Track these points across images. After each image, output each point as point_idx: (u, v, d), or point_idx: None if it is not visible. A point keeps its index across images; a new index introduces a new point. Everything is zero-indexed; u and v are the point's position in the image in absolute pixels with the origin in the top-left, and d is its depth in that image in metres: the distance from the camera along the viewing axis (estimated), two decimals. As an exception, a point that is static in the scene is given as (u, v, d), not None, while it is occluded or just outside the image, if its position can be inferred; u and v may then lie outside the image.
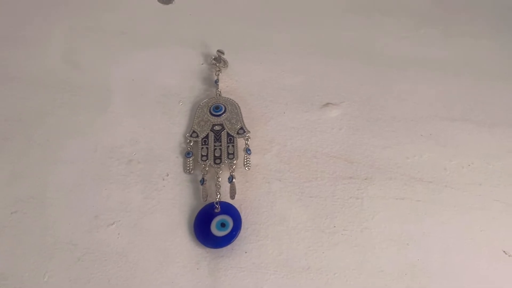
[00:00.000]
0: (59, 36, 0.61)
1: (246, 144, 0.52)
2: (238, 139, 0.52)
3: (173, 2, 0.67)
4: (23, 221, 0.46)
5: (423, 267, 0.46)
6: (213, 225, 0.46)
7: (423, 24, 0.67)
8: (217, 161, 0.50)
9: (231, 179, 0.49)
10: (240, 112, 0.54)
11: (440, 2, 0.71)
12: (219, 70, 0.59)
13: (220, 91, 0.57)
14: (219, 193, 0.48)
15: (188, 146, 0.52)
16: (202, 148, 0.51)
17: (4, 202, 0.47)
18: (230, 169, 0.50)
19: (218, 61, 0.59)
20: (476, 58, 0.64)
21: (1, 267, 0.44)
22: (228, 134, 0.52)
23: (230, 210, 0.47)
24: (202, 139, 0.52)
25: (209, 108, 0.54)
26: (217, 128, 0.53)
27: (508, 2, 0.71)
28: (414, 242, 0.47)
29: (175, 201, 0.48)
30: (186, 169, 0.50)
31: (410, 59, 0.63)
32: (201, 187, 0.49)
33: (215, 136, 0.52)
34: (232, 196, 0.48)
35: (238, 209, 0.48)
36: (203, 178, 0.49)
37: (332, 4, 0.69)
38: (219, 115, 0.54)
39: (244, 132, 0.52)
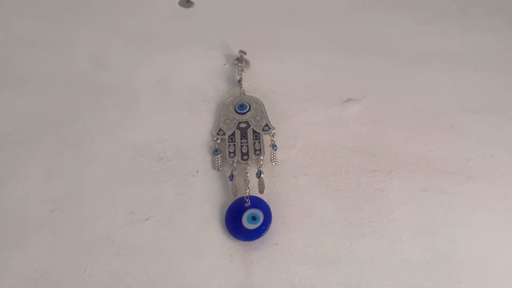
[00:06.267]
0: (86, 39, 0.63)
1: (272, 140, 0.53)
2: (264, 136, 0.53)
3: (193, 5, 0.68)
4: (62, 218, 0.48)
5: (450, 256, 0.47)
6: (244, 219, 0.47)
7: (440, 18, 0.68)
8: (245, 157, 0.52)
9: (259, 174, 0.50)
10: (265, 110, 0.56)
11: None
12: (241, 70, 0.60)
13: (243, 90, 0.58)
14: (248, 188, 0.49)
15: (215, 143, 0.53)
16: (229, 145, 0.53)
17: (43, 200, 0.49)
18: (257, 165, 0.51)
19: (240, 61, 0.61)
20: (493, 51, 0.64)
21: (43, 262, 0.46)
22: (254, 131, 0.54)
23: (259, 204, 0.48)
24: (229, 136, 0.54)
25: (234, 106, 0.56)
26: (242, 125, 0.54)
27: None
28: (440, 232, 0.48)
29: (206, 197, 0.50)
30: (215, 166, 0.52)
31: (429, 53, 0.63)
32: (230, 182, 0.50)
33: (241, 133, 0.54)
34: (261, 191, 0.49)
35: (267, 203, 0.49)
36: (232, 174, 0.51)
37: (351, 1, 0.70)
38: (244, 113, 0.55)
39: (270, 128, 0.54)
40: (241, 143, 0.53)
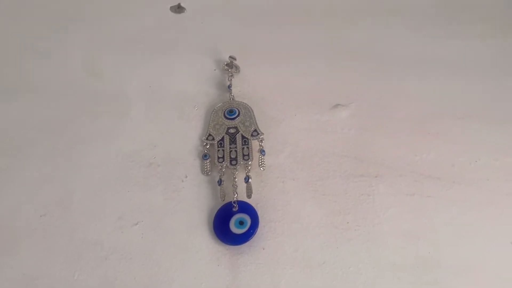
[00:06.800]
0: (78, 47, 0.64)
1: (260, 145, 0.54)
2: (253, 141, 0.54)
3: (185, 11, 0.69)
4: (52, 224, 0.49)
5: (434, 260, 0.47)
6: (232, 223, 0.48)
7: (429, 24, 0.69)
8: (233, 162, 0.52)
9: (247, 179, 0.51)
10: (254, 115, 0.57)
11: (445, 3, 0.72)
12: (231, 75, 0.61)
13: (233, 96, 0.59)
14: (236, 192, 0.50)
15: (204, 148, 0.54)
16: (218, 150, 0.54)
17: (33, 206, 0.50)
18: (245, 170, 0.52)
19: (230, 66, 0.61)
20: (481, 57, 0.65)
21: (33, 267, 0.46)
22: (243, 137, 0.55)
23: (247, 208, 0.49)
24: (218, 141, 0.54)
25: (223, 112, 0.57)
26: (232, 131, 0.55)
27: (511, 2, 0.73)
28: (425, 237, 0.49)
29: (195, 202, 0.51)
30: (204, 171, 0.53)
31: (417, 59, 0.64)
32: (218, 187, 0.51)
33: (230, 138, 0.55)
34: (249, 196, 0.50)
35: (255, 207, 0.50)
36: (220, 179, 0.51)
37: (340, 7, 0.71)
38: (233, 119, 0.56)
39: (258, 134, 0.55)
40: (230, 148, 0.54)
